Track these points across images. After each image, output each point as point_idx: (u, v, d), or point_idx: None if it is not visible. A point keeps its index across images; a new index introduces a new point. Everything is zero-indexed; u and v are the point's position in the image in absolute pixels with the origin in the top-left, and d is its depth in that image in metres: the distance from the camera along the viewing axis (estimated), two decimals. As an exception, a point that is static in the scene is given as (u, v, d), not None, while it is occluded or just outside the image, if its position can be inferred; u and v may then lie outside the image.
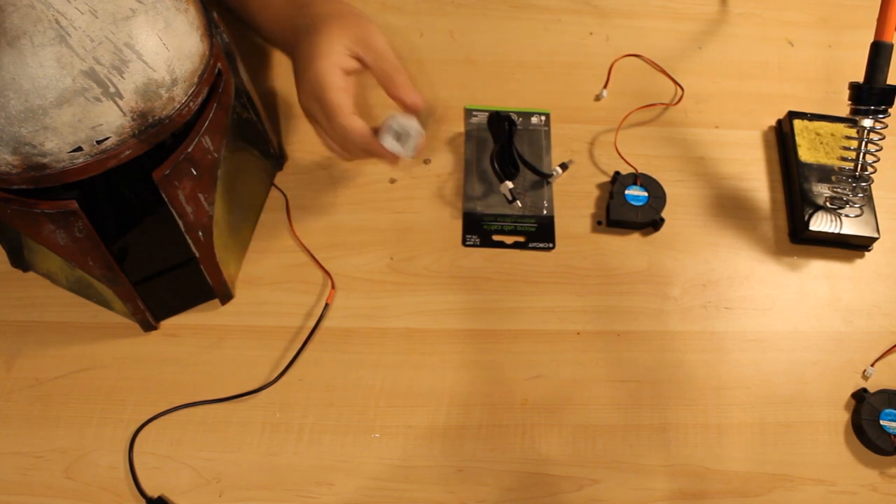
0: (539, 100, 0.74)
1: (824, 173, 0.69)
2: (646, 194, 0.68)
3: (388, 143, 0.57)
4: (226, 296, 0.62)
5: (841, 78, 0.78)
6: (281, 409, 0.58)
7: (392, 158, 0.58)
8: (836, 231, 0.66)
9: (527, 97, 0.74)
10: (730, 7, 0.83)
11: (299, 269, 0.64)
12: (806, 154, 0.70)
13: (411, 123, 0.57)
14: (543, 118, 0.73)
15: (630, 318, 0.64)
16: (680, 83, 0.76)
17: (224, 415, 0.58)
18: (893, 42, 0.61)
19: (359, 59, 0.58)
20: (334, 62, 0.56)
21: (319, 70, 0.56)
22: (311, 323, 0.61)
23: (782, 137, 0.73)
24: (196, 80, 0.49)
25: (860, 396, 0.61)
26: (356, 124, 0.56)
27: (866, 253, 0.68)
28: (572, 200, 0.69)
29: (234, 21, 0.70)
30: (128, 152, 0.46)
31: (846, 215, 0.67)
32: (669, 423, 0.60)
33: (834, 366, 0.63)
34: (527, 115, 0.73)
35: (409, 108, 0.59)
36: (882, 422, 0.59)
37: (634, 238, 0.68)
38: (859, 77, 0.62)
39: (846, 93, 0.63)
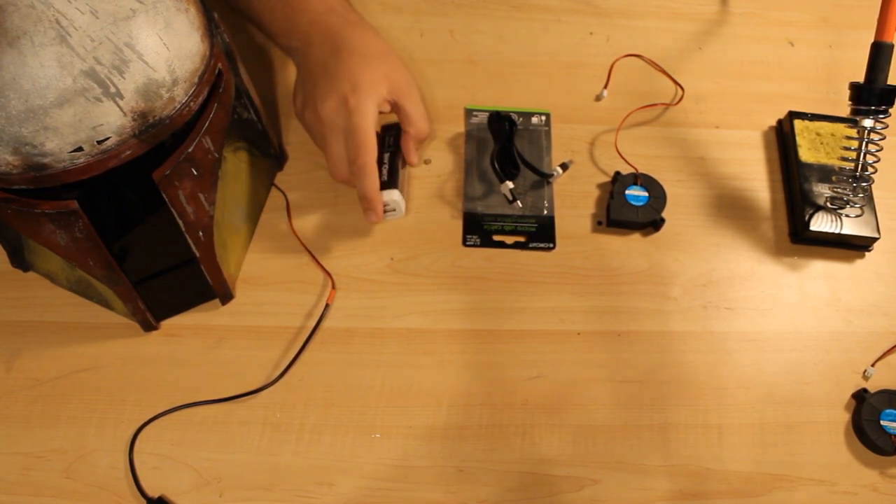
0: (539, 100, 0.74)
1: (825, 173, 0.69)
2: (646, 194, 0.68)
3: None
4: (226, 296, 0.62)
5: (841, 78, 0.78)
6: (281, 409, 0.58)
7: (375, 214, 0.62)
8: (837, 231, 0.66)
9: (527, 97, 0.74)
10: (730, 7, 0.83)
11: (299, 269, 0.64)
12: (806, 154, 0.70)
13: (401, 203, 0.65)
14: (544, 118, 0.73)
15: (630, 318, 0.64)
16: (680, 83, 0.76)
17: (224, 415, 0.58)
18: (893, 42, 0.61)
19: (392, 106, 0.64)
20: (377, 103, 0.61)
21: (363, 107, 0.60)
22: (312, 323, 0.61)
23: (782, 137, 0.73)
24: (196, 80, 0.49)
25: (860, 396, 0.61)
26: (374, 169, 0.60)
27: (867, 253, 0.68)
28: (573, 200, 0.69)
29: (235, 20, 0.70)
30: (128, 152, 0.46)
31: (846, 215, 0.67)
32: (670, 424, 0.60)
33: (834, 366, 0.63)
34: (527, 115, 0.73)
35: (406, 163, 0.67)
36: (882, 422, 0.59)
37: (635, 238, 0.68)
38: (859, 77, 0.62)
39: (846, 93, 0.63)
